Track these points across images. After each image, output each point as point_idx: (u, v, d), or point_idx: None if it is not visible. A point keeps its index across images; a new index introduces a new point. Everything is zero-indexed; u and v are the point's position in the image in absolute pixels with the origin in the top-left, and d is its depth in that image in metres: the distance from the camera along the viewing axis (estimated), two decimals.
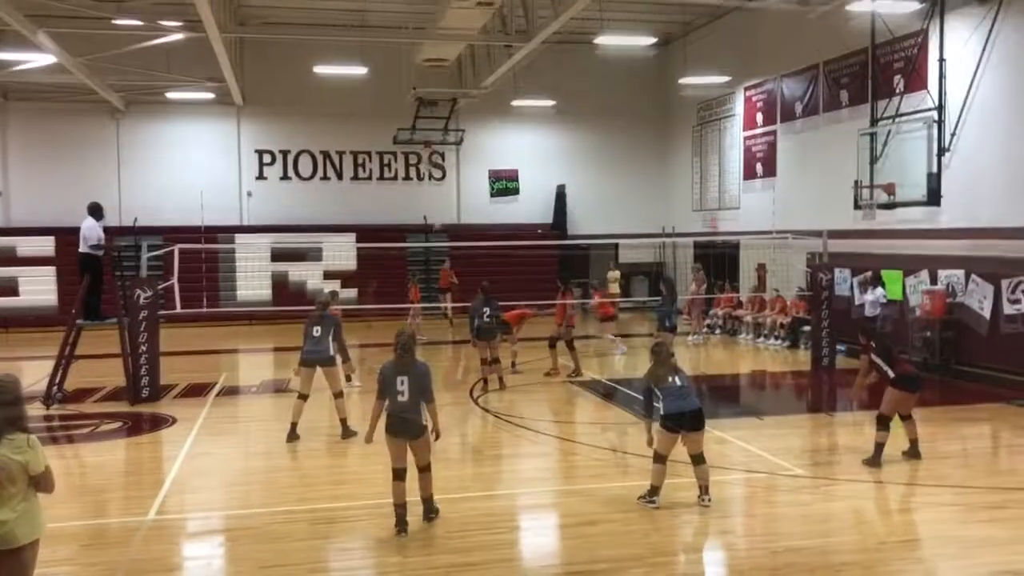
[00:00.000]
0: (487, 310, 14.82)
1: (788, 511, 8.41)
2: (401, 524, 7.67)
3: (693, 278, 22.56)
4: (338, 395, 11.58)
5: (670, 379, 8.27)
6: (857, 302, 18.86)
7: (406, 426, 7.68)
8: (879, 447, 9.68)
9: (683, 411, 8.13)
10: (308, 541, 7.63)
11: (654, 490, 8.31)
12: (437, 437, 7.94)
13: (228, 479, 9.82)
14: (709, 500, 8.28)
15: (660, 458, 8.27)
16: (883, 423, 9.72)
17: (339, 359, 11.86)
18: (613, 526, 7.91)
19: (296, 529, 7.92)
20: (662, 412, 8.19)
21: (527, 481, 9.78)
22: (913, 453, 9.97)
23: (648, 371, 8.51)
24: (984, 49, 15.24)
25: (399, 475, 7.73)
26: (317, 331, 11.53)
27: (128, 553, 7.42)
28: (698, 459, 8.31)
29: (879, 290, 16.65)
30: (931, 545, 7.37)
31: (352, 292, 25.98)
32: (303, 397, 11.44)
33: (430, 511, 7.98)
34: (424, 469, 7.86)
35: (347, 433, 11.35)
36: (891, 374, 9.74)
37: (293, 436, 11.30)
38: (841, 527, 7.81)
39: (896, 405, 9.76)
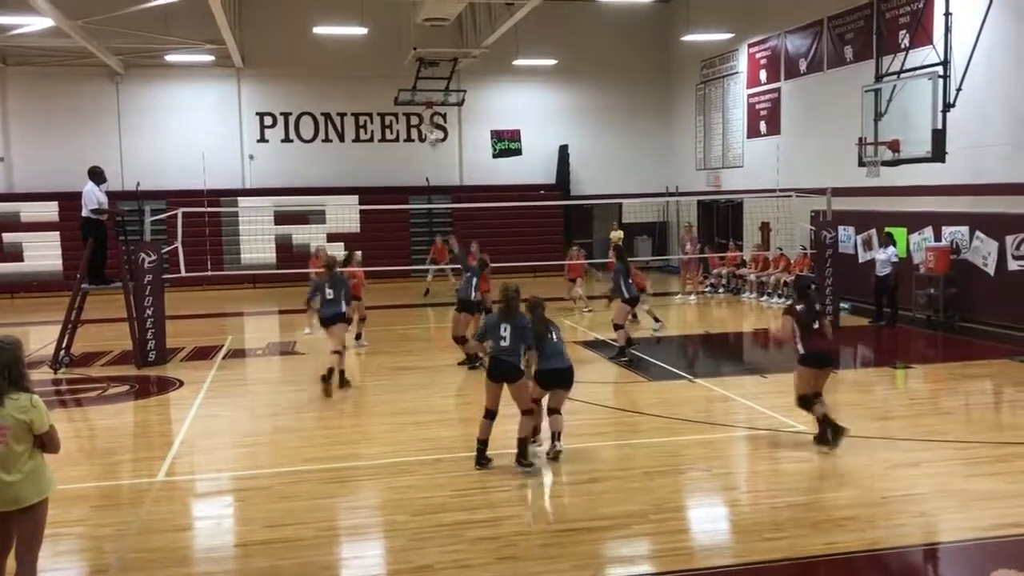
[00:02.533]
0: (478, 282, 13.74)
1: (790, 467, 8.48)
2: (481, 459, 8.43)
3: (687, 238, 22.52)
4: (340, 352, 12.09)
5: (549, 335, 8.51)
6: (862, 260, 18.88)
7: (503, 368, 8.33)
8: (821, 422, 8.87)
9: (555, 368, 8.51)
10: (316, 500, 7.73)
11: (483, 445, 8.54)
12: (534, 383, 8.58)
13: (236, 440, 9.91)
14: (561, 447, 8.59)
15: (489, 414, 8.52)
16: (805, 405, 8.97)
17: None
18: (615, 483, 8.00)
19: (304, 489, 8.01)
20: (537, 367, 8.54)
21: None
22: (823, 438, 8.83)
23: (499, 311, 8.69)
24: (990, 3, 15.06)
25: (489, 415, 8.47)
26: (330, 293, 12.09)
27: (139, 513, 7.53)
28: (554, 411, 8.66)
29: (891, 248, 16.63)
30: (933, 499, 7.43)
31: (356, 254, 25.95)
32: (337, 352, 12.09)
33: (529, 448, 8.54)
34: (525, 412, 8.41)
35: (344, 383, 12.12)
36: (800, 351, 8.92)
37: (329, 380, 11.81)
38: (843, 482, 7.88)
39: (807, 384, 8.91)
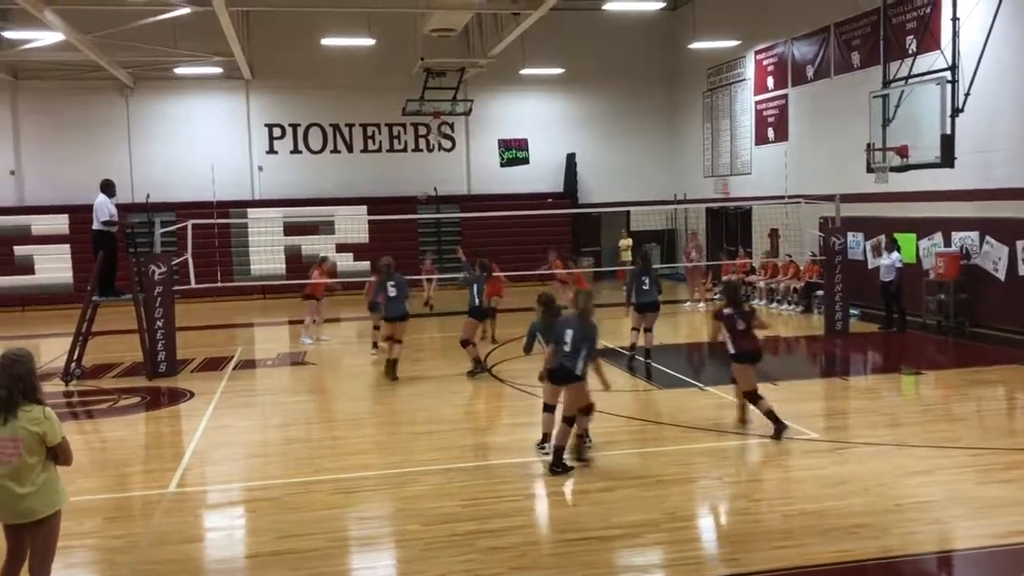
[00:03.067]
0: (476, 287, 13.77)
1: (802, 474, 8.45)
2: (545, 441, 8.91)
3: (692, 245, 22.44)
4: (400, 341, 13.46)
5: (564, 336, 8.59)
6: (871, 266, 18.82)
7: (563, 373, 8.57)
8: (770, 415, 9.43)
9: (565, 367, 8.65)
10: (327, 511, 7.72)
11: (545, 437, 8.95)
12: (607, 387, 9.03)
13: (247, 451, 9.92)
14: (591, 442, 9.01)
15: (548, 408, 8.96)
16: (754, 399, 9.57)
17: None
18: (628, 492, 7.97)
19: (315, 499, 8.01)
20: (548, 367, 8.82)
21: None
22: (775, 427, 9.41)
23: (539, 318, 9.27)
24: (998, 7, 15.04)
25: (548, 409, 8.95)
26: (393, 291, 13.30)
27: (150, 525, 7.54)
28: (586, 410, 8.84)
29: (895, 254, 16.57)
30: (946, 506, 7.39)
31: (365, 264, 26.10)
32: (400, 341, 13.44)
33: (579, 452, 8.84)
34: (566, 419, 8.54)
35: (392, 374, 13.18)
36: (731, 351, 9.65)
37: (395, 369, 13.22)
38: (855, 489, 7.83)
39: (749, 380, 9.59)
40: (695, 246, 22.42)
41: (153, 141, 26.74)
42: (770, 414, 9.45)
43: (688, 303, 21.45)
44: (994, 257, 15.84)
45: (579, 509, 7.80)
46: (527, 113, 28.86)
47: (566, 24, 26.88)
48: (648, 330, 13.87)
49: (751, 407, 9.78)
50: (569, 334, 8.53)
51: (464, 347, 13.63)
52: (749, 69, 24.72)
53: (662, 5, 22.68)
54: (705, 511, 7.79)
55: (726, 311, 9.67)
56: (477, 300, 13.67)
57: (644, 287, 13.74)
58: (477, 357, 13.56)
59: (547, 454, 8.74)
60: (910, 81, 15.81)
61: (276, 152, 27.74)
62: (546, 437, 8.91)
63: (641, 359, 13.82)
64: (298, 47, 26.29)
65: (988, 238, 15.99)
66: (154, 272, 14.16)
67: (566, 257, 19.40)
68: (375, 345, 15.98)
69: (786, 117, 22.93)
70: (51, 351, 16.39)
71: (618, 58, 28.59)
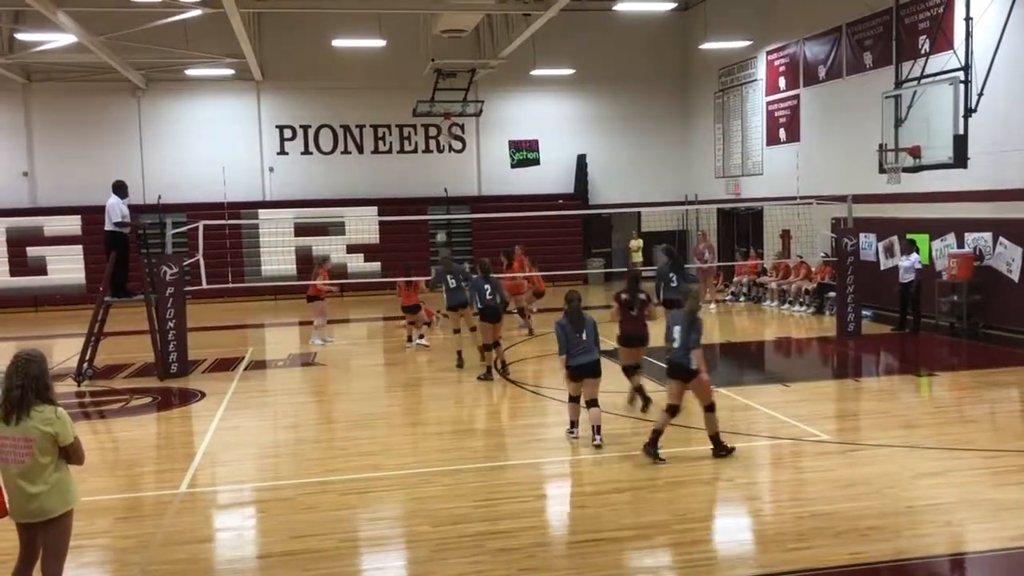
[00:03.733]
0: (488, 287, 13.32)
1: (814, 476, 8.41)
2: (573, 427, 9.72)
3: (704, 246, 22.35)
4: (457, 331, 14.36)
5: (579, 334, 9.31)
6: (883, 267, 18.74)
7: (677, 369, 8.87)
8: (639, 390, 10.77)
9: (581, 364, 9.34)
10: (338, 511, 7.73)
11: (573, 424, 9.75)
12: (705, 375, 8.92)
13: (258, 451, 9.95)
14: (600, 440, 9.33)
15: (573, 399, 9.68)
16: (628, 374, 10.81)
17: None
18: (639, 493, 7.96)
19: (325, 500, 8.02)
20: (568, 364, 9.40)
21: (552, 450, 9.84)
22: (634, 400, 10.79)
23: (564, 315, 9.56)
24: (1011, 7, 14.96)
25: (574, 399, 9.64)
26: (453, 282, 14.04)
27: (162, 525, 7.56)
28: (592, 403, 9.42)
29: (914, 255, 16.47)
30: (959, 509, 7.34)
31: (376, 265, 26.23)
32: (458, 331, 14.29)
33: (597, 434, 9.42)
34: (708, 408, 8.91)
35: (461, 363, 13.97)
36: (617, 331, 10.75)
37: (460, 361, 13.83)
38: (868, 491, 7.79)
39: (627, 358, 10.76)
40: (707, 247, 22.36)
41: (164, 142, 26.85)
42: (639, 389, 10.72)
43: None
44: (1008, 258, 15.75)
45: (589, 510, 7.78)
46: (538, 114, 28.85)
47: (577, 25, 26.86)
48: None
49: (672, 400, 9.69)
50: (677, 330, 8.89)
51: (486, 351, 13.42)
52: (761, 69, 24.65)
53: (673, 5, 22.66)
54: (716, 513, 7.76)
55: (624, 296, 10.63)
56: (480, 303, 13.37)
57: (672, 284, 13.62)
58: (491, 365, 13.26)
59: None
60: (923, 81, 15.73)
61: (287, 153, 27.81)
62: (717, 438, 9.03)
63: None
64: (309, 48, 26.37)
65: (1002, 239, 15.89)
66: (166, 273, 14.21)
67: (534, 258, 18.67)
68: (409, 339, 16.60)
69: (798, 118, 22.85)
70: (63, 351, 16.47)
71: (629, 59, 28.55)
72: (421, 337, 16.49)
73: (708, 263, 21.59)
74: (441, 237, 18.98)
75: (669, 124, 29.59)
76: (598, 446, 9.28)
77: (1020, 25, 15.11)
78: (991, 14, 15.26)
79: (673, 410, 8.85)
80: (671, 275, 13.62)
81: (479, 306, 13.39)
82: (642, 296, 10.64)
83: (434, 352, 16.10)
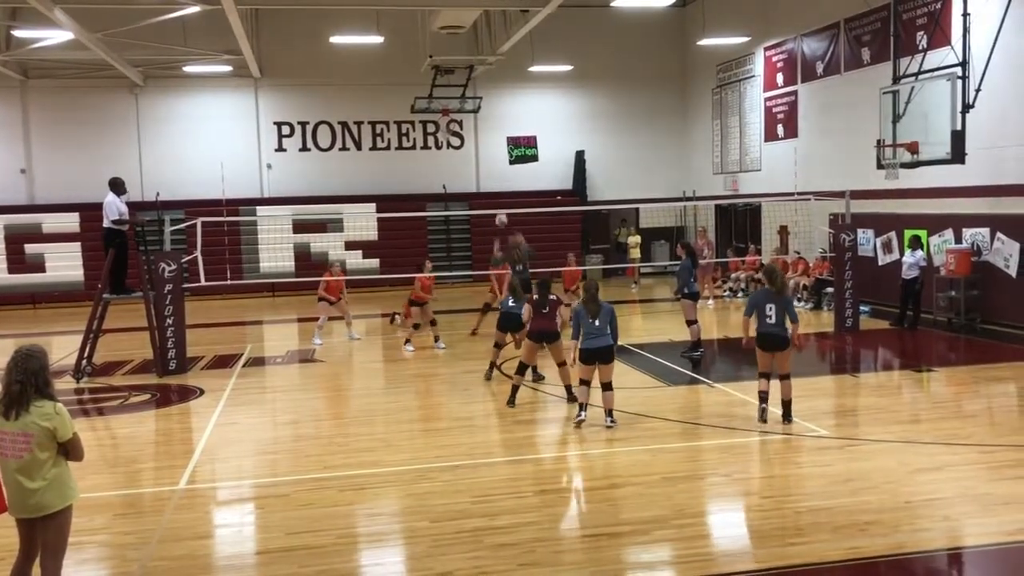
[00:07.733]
0: (512, 300, 12.71)
1: (812, 471, 8.43)
2: (581, 409, 10.05)
3: (703, 242, 22.35)
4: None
5: (591, 320, 9.83)
6: (881, 262, 18.76)
7: (774, 340, 9.71)
8: (514, 387, 11.32)
9: (593, 348, 9.85)
10: (336, 507, 7.74)
11: (582, 406, 10.12)
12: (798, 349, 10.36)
13: (256, 448, 9.96)
14: (612, 422, 9.88)
15: (583, 382, 10.06)
16: (522, 371, 11.37)
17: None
18: (637, 489, 7.97)
19: (324, 496, 8.03)
20: (580, 347, 9.92)
21: (551, 445, 9.87)
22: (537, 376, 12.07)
23: (580, 301, 10.24)
24: (1008, 2, 14.96)
25: (584, 382, 10.03)
26: (519, 266, 14.60)
27: (161, 521, 7.57)
28: (606, 386, 9.93)
29: (919, 252, 16.48)
30: (957, 504, 7.36)
31: (374, 262, 26.24)
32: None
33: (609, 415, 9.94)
34: (784, 376, 9.83)
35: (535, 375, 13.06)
36: (528, 328, 11.36)
37: (490, 374, 12.99)
38: (866, 486, 7.81)
39: (530, 355, 11.43)
40: (705, 243, 22.36)
41: (162, 139, 26.82)
42: (516, 386, 11.32)
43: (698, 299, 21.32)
44: (1005, 253, 15.77)
45: (588, 506, 7.80)
46: (536, 110, 28.82)
47: (575, 21, 26.85)
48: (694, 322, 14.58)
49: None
50: (771, 307, 9.69)
51: (522, 370, 12.03)
52: (758, 65, 24.65)
53: (671, 2, 22.61)
54: (714, 508, 7.78)
55: (535, 296, 11.35)
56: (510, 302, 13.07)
57: (693, 280, 14.42)
58: (494, 361, 13.02)
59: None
60: (920, 77, 15.74)
61: (285, 150, 27.78)
62: (789, 404, 9.89)
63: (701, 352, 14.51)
64: (307, 45, 26.34)
65: (999, 234, 15.92)
66: (164, 270, 14.21)
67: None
68: (437, 339, 15.83)
69: (796, 113, 22.86)
70: (62, 348, 16.47)
71: (627, 55, 28.55)
72: (414, 328, 16.05)
73: (707, 259, 21.58)
74: (502, 219, 18.47)
75: (667, 120, 29.58)
76: (609, 427, 9.81)
77: (1018, 21, 15.12)
78: (989, 10, 15.26)
79: (768, 376, 9.83)
80: (694, 271, 14.39)
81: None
82: (552, 297, 11.28)
83: (430, 349, 16.10)
